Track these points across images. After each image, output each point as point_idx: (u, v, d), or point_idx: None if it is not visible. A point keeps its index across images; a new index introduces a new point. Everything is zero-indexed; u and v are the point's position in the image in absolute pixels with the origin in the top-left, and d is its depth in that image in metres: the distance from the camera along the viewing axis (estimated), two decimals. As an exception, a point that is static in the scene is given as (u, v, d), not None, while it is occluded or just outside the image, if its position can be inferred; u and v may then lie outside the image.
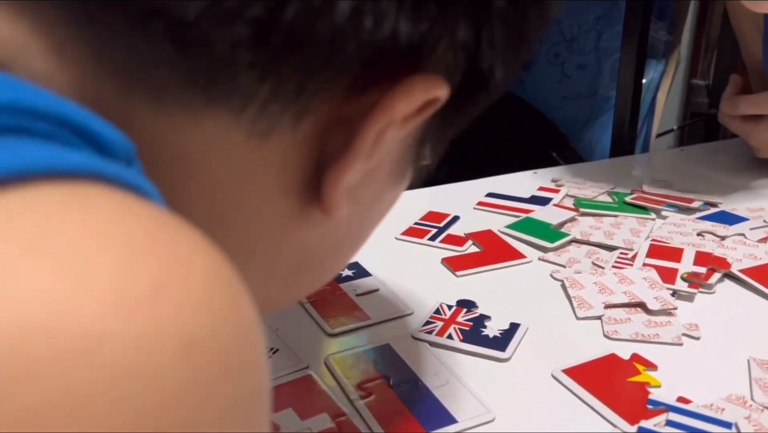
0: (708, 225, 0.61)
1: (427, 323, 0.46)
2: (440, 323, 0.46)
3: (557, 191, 0.69)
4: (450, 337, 0.44)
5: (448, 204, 0.67)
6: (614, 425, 0.37)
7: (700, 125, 1.31)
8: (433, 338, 0.44)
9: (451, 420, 0.37)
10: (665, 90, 1.05)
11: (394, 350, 0.43)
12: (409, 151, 0.27)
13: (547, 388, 0.40)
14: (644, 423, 0.37)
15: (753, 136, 0.73)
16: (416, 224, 0.63)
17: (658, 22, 1.02)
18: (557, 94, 1.04)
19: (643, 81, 1.03)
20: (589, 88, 1.00)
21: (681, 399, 0.39)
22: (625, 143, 0.85)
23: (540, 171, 0.77)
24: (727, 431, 0.36)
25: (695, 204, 0.65)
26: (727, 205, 0.66)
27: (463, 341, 0.44)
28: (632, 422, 0.37)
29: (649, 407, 0.38)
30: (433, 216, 0.64)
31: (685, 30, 1.66)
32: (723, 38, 1.28)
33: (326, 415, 0.38)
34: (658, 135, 1.15)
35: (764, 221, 0.62)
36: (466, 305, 0.49)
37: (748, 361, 0.42)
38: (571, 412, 0.38)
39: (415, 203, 0.68)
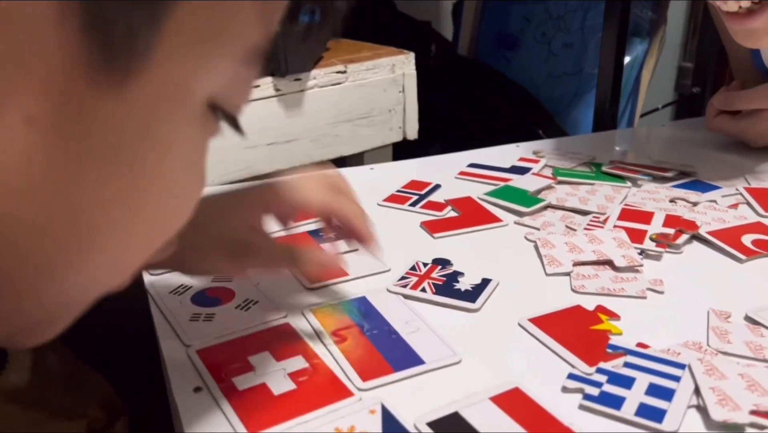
0: (681, 192, 0.63)
1: (403, 278, 0.48)
2: (415, 278, 0.48)
3: (537, 162, 0.71)
4: (423, 290, 0.46)
5: (432, 174, 0.69)
6: (573, 366, 0.39)
7: (687, 107, 1.33)
8: (407, 291, 0.46)
9: (419, 361, 0.39)
10: (650, 69, 1.07)
11: (370, 302, 0.45)
12: (86, 41, 0.20)
13: (513, 335, 0.42)
14: (602, 364, 0.39)
15: (749, 130, 0.73)
16: (398, 191, 0.65)
17: (642, 0, 1.03)
18: (544, 72, 1.06)
19: (627, 59, 1.05)
20: (574, 66, 1.02)
21: (640, 345, 0.41)
22: (607, 119, 0.87)
23: (522, 144, 0.78)
24: (681, 371, 0.38)
25: (670, 173, 0.67)
26: (703, 175, 0.68)
27: (435, 293, 0.46)
28: (591, 364, 0.39)
29: (609, 350, 0.40)
30: (415, 184, 0.66)
31: (679, 14, 1.67)
32: (706, 21, 1.30)
33: (301, 357, 0.40)
34: (643, 114, 1.16)
35: (736, 189, 0.64)
36: (442, 263, 0.51)
37: (708, 312, 0.44)
38: (534, 355, 0.40)
39: (401, 174, 0.69)
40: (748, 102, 0.72)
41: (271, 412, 0.35)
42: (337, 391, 0.37)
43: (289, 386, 0.37)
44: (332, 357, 0.40)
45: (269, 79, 0.75)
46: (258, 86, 0.75)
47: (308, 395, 0.37)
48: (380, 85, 0.84)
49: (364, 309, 0.45)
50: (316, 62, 0.81)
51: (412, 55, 0.87)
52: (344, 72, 0.81)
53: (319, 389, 0.37)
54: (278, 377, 0.38)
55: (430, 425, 0.34)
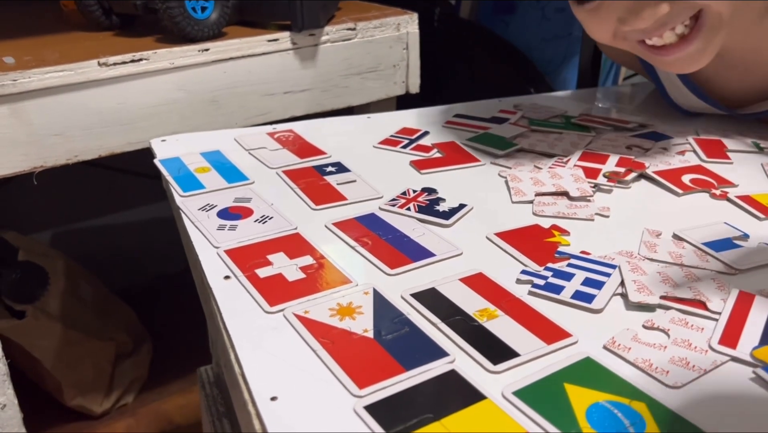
0: (637, 140, 0.72)
1: (393, 199, 0.58)
2: (403, 200, 0.57)
3: (515, 113, 0.80)
4: (408, 209, 0.56)
5: (422, 123, 0.78)
6: (526, 266, 0.48)
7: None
8: (394, 209, 0.56)
9: (431, 255, 0.49)
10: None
11: (379, 217, 0.55)
12: None
13: (481, 245, 0.52)
14: (550, 265, 0.48)
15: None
16: (392, 136, 0.74)
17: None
18: (537, 36, 1.14)
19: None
20: (564, 29, 1.10)
21: (583, 252, 0.50)
22: (588, 80, 0.95)
23: (504, 99, 0.87)
24: (612, 270, 0.48)
25: (631, 125, 0.76)
26: (660, 128, 0.77)
27: (417, 212, 0.55)
28: (541, 264, 0.48)
29: (556, 255, 0.50)
30: (406, 131, 0.75)
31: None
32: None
33: (309, 256, 0.49)
34: (626, 78, 1.25)
35: (686, 140, 0.73)
36: (429, 190, 0.60)
37: (643, 231, 0.54)
38: (496, 259, 0.50)
39: (394, 122, 0.78)
40: None
41: (286, 292, 0.45)
42: (339, 280, 0.47)
43: (301, 275, 0.47)
44: (362, 256, 0.49)
45: (287, 33, 0.85)
46: (276, 40, 0.84)
47: (316, 282, 0.46)
48: (386, 42, 0.94)
49: (375, 222, 0.54)
50: (329, 20, 0.91)
51: (415, 15, 0.96)
52: (354, 29, 0.90)
53: (324, 279, 0.47)
54: (291, 269, 0.48)
55: (414, 295, 0.44)
